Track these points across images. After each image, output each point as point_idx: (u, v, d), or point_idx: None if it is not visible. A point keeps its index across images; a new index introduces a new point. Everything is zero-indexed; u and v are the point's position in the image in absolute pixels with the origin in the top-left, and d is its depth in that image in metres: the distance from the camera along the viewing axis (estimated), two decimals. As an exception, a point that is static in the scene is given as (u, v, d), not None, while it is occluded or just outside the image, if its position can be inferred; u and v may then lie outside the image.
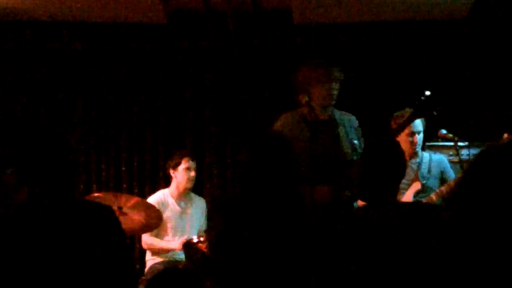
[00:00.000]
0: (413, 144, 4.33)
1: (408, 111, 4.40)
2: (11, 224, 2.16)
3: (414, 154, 4.37)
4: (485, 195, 1.62)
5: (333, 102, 3.79)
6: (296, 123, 3.75)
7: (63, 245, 2.09)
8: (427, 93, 3.59)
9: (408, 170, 4.25)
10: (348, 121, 3.89)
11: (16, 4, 5.24)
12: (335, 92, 3.77)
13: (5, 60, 5.74)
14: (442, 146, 4.85)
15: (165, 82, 5.83)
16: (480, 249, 1.65)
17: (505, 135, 4.10)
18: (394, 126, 4.33)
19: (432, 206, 3.33)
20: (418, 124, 4.35)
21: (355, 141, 3.81)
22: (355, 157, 3.72)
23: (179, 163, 5.06)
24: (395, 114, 4.42)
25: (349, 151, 3.76)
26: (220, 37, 5.69)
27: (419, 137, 4.37)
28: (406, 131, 4.33)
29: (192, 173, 5.06)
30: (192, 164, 5.08)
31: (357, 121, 3.95)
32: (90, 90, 5.81)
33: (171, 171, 5.08)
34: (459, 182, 1.76)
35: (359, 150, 3.76)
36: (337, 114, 3.88)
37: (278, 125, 3.83)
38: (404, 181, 4.09)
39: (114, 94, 5.82)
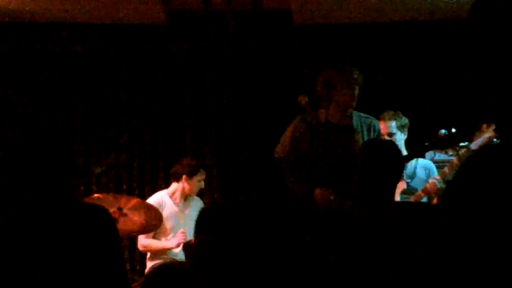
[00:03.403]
0: None
1: (387, 114, 4.41)
2: (9, 225, 2.16)
3: None
4: (478, 195, 1.62)
5: (354, 105, 3.77)
6: (308, 126, 3.67)
7: (56, 246, 2.09)
8: (453, 130, 3.62)
9: None
10: (368, 126, 3.84)
11: (17, 6, 5.26)
12: (357, 95, 3.74)
13: (5, 61, 5.75)
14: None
15: (165, 84, 5.83)
16: (474, 248, 1.66)
17: (484, 126, 4.10)
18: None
19: (430, 207, 3.33)
20: (391, 126, 4.37)
21: None
22: None
23: (196, 173, 5.00)
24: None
25: None
26: (220, 39, 5.69)
27: (391, 139, 4.35)
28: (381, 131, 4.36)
29: (202, 185, 5.06)
30: (204, 176, 5.07)
31: (378, 125, 3.92)
32: (90, 91, 5.81)
33: (184, 177, 4.98)
34: (452, 183, 1.77)
35: None
36: (357, 118, 3.83)
37: (290, 128, 3.79)
38: None
39: (114, 95, 5.82)
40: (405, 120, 4.46)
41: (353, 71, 3.75)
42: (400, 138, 4.44)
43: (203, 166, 5.11)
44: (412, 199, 4.24)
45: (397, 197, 4.26)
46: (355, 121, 3.81)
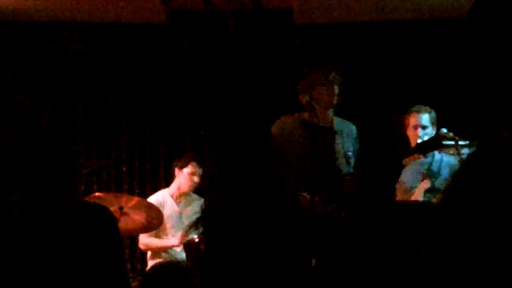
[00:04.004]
0: (415, 137, 4.27)
1: (422, 107, 4.37)
2: (9, 225, 2.16)
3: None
4: (479, 195, 1.61)
5: (335, 103, 3.85)
6: (294, 127, 3.79)
7: (57, 245, 2.09)
8: (444, 130, 3.67)
9: (418, 167, 4.21)
10: (347, 131, 3.97)
11: (17, 5, 5.25)
12: (336, 93, 3.82)
13: (6, 61, 5.75)
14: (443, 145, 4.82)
15: (165, 83, 5.83)
16: (475, 248, 1.65)
17: (502, 128, 4.08)
18: (406, 120, 4.29)
19: (430, 206, 3.33)
20: (425, 118, 4.30)
21: (350, 153, 3.87)
22: (346, 170, 3.76)
23: (185, 166, 5.04)
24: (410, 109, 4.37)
25: (343, 162, 3.82)
26: (220, 38, 5.69)
27: (424, 132, 4.30)
28: (412, 123, 4.29)
29: (196, 179, 5.05)
30: (198, 170, 5.05)
31: (356, 131, 4.00)
32: (91, 90, 5.81)
33: (176, 170, 5.07)
34: (454, 181, 1.76)
35: (352, 163, 3.80)
36: (337, 122, 3.96)
37: (275, 128, 3.86)
38: (415, 176, 4.12)
39: (114, 94, 5.82)
40: (435, 116, 4.39)
41: (331, 70, 3.87)
42: (431, 133, 4.32)
43: (194, 158, 5.12)
44: (435, 200, 4.20)
45: (421, 197, 4.21)
46: (335, 124, 3.95)
